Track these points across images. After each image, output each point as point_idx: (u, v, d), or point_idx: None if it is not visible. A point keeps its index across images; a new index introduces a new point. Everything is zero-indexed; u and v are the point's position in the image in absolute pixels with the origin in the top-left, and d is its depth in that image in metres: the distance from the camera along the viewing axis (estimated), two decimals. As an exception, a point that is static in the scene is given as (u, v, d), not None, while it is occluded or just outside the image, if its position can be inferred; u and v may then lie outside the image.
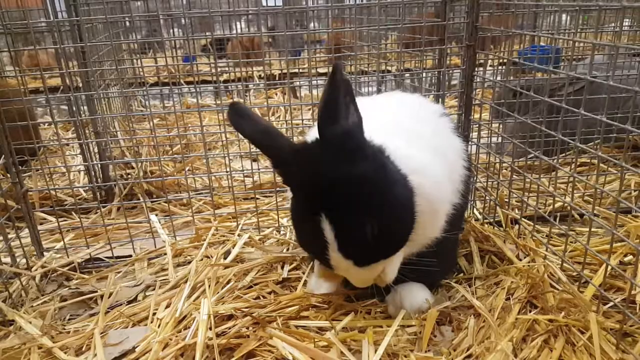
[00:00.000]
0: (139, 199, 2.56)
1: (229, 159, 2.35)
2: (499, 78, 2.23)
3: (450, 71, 2.71)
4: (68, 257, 2.03)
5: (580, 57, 3.41)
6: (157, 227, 2.18)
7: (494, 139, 2.39)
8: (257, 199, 2.52)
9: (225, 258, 1.93)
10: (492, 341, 1.39)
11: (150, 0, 3.87)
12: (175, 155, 3.16)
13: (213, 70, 4.11)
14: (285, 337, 1.42)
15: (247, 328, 1.49)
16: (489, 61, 2.86)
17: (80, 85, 2.45)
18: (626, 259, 1.79)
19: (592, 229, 1.82)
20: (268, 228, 2.21)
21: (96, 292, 1.82)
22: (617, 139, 2.45)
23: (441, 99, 2.23)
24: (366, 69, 3.44)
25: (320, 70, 4.86)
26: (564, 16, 3.76)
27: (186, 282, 1.73)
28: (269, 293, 1.71)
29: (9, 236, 1.87)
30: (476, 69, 2.12)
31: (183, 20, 3.40)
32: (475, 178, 2.21)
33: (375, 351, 1.36)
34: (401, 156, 1.33)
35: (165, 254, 2.02)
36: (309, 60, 3.32)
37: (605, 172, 2.48)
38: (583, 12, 2.78)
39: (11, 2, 2.45)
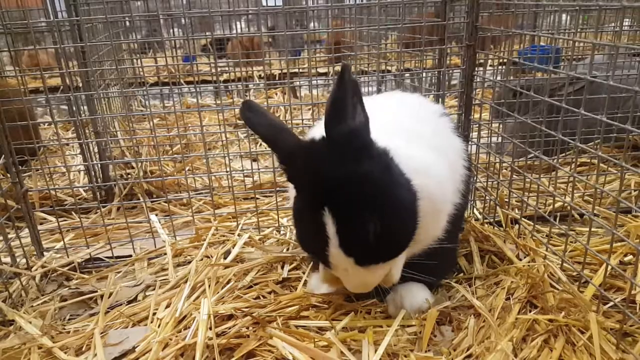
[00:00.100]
0: (139, 199, 2.56)
1: (229, 159, 2.35)
2: (499, 78, 2.23)
3: (450, 71, 2.71)
4: (68, 257, 2.03)
5: (580, 57, 3.41)
6: (157, 227, 2.18)
7: (494, 139, 2.39)
8: (257, 198, 2.52)
9: (225, 258, 1.93)
10: (492, 341, 1.39)
11: (150, 0, 3.87)
12: (175, 155, 3.16)
13: (213, 70, 4.11)
14: (285, 337, 1.42)
15: (247, 328, 1.49)
16: (489, 61, 2.85)
17: (80, 85, 2.45)
18: (626, 258, 1.79)
19: (592, 229, 1.82)
20: (268, 228, 2.21)
21: (96, 292, 1.82)
22: (617, 138, 2.45)
23: (441, 98, 2.23)
24: (366, 69, 3.44)
25: (320, 70, 4.87)
26: (564, 16, 3.76)
27: (186, 282, 1.73)
28: (269, 293, 1.71)
29: (9, 236, 1.87)
30: (476, 69, 2.12)
31: (183, 20, 3.40)
32: (475, 178, 2.21)
33: (375, 351, 1.36)
34: (404, 157, 1.33)
35: (165, 253, 2.02)
36: (309, 60, 3.32)
37: (605, 172, 2.48)
38: (583, 12, 2.78)
39: (11, 2, 2.45)
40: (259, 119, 1.37)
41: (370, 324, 1.51)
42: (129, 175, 2.80)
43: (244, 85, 4.15)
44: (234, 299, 1.67)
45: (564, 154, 2.66)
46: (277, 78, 4.23)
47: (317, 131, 1.37)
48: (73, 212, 2.51)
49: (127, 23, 3.41)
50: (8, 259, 1.89)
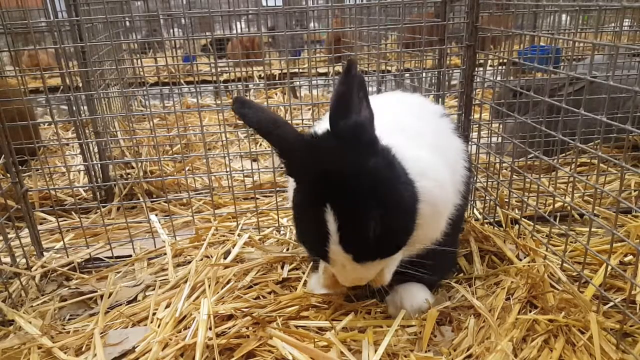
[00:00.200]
0: (139, 199, 2.56)
1: (229, 159, 2.35)
2: (499, 78, 2.23)
3: (450, 71, 2.71)
4: (68, 257, 2.03)
5: (580, 57, 3.41)
6: (157, 227, 2.17)
7: (494, 139, 2.39)
8: (257, 198, 2.52)
9: (225, 258, 1.93)
10: (492, 341, 1.39)
11: (150, 0, 3.87)
12: (175, 155, 3.16)
13: (213, 70, 4.11)
14: (285, 337, 1.42)
15: (247, 328, 1.49)
16: (489, 61, 2.86)
17: (80, 85, 2.45)
18: (626, 259, 1.79)
19: (592, 229, 1.83)
20: (268, 228, 2.21)
21: (96, 292, 1.82)
22: (617, 139, 2.45)
23: (441, 99, 2.23)
24: (366, 69, 3.44)
25: (320, 70, 4.87)
26: (563, 16, 3.76)
27: (186, 282, 1.73)
28: (269, 293, 1.71)
29: (9, 236, 1.87)
30: (476, 69, 2.12)
31: (183, 20, 3.40)
32: (475, 178, 2.21)
33: (375, 351, 1.36)
34: (406, 157, 1.33)
35: (165, 254, 2.02)
36: (309, 60, 3.32)
37: (605, 172, 2.48)
38: (583, 12, 2.78)
39: (11, 2, 2.45)
40: (256, 114, 1.33)
41: (370, 324, 1.50)
42: (129, 175, 2.80)
43: (244, 85, 4.15)
44: (234, 299, 1.67)
45: (564, 154, 2.66)
46: (277, 78, 4.23)
47: (318, 129, 1.37)
48: (73, 212, 2.51)
49: (127, 23, 3.40)
50: (8, 259, 1.89)
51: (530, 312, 1.53)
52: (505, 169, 2.61)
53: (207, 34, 3.79)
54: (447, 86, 2.38)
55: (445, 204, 1.45)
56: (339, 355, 1.37)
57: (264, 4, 4.43)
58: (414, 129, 1.53)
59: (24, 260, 1.94)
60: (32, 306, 1.76)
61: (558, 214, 2.07)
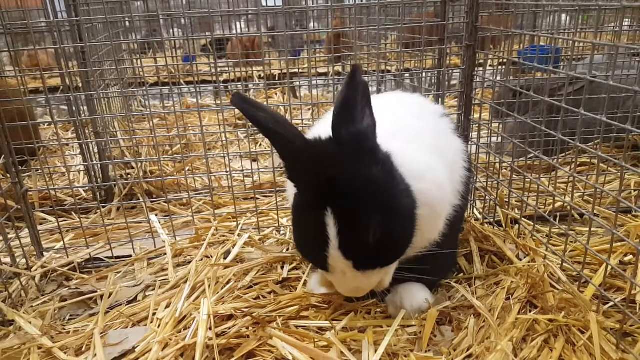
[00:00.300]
0: (138, 199, 2.56)
1: (229, 159, 2.35)
2: (498, 78, 2.23)
3: (450, 71, 2.71)
4: (68, 257, 2.03)
5: (580, 57, 3.41)
6: (157, 227, 2.18)
7: (493, 139, 2.39)
8: (257, 199, 2.52)
9: (225, 258, 1.93)
10: (492, 341, 1.39)
11: (150, 0, 3.87)
12: (175, 155, 3.16)
13: (213, 70, 4.11)
14: (285, 337, 1.42)
15: (247, 328, 1.49)
16: (489, 61, 2.85)
17: (80, 85, 2.45)
18: (626, 258, 1.79)
19: (592, 229, 1.83)
20: (268, 228, 2.21)
21: (96, 292, 1.82)
22: (617, 138, 2.45)
23: (441, 99, 2.23)
24: (366, 69, 3.44)
25: (320, 71, 4.87)
26: (563, 16, 3.76)
27: (186, 282, 1.73)
28: (269, 293, 1.71)
29: (9, 236, 1.87)
30: (476, 69, 2.12)
31: (183, 20, 3.40)
32: (475, 178, 2.21)
33: (375, 351, 1.36)
34: (404, 161, 1.33)
35: (165, 254, 2.02)
36: (309, 60, 3.33)
37: (605, 171, 2.48)
38: (583, 12, 2.79)
39: (11, 2, 2.45)
40: (259, 111, 1.30)
41: (370, 324, 1.50)
42: (129, 176, 2.80)
43: (244, 85, 4.15)
44: (234, 299, 1.67)
45: (563, 154, 2.66)
46: (277, 78, 4.23)
47: (319, 130, 1.37)
48: (73, 212, 2.51)
49: (127, 23, 3.41)
50: (8, 259, 1.89)
51: (530, 312, 1.53)
52: (505, 169, 2.61)
53: (207, 34, 3.78)
54: (447, 86, 2.39)
55: (442, 206, 1.45)
56: (339, 355, 1.37)
57: (264, 4, 4.44)
58: (413, 130, 1.53)
59: (24, 261, 1.94)
60: (32, 306, 1.76)
61: (558, 213, 2.07)
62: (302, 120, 2.95)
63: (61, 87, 2.83)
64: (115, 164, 2.77)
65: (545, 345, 1.39)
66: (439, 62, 2.26)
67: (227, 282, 1.76)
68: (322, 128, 1.37)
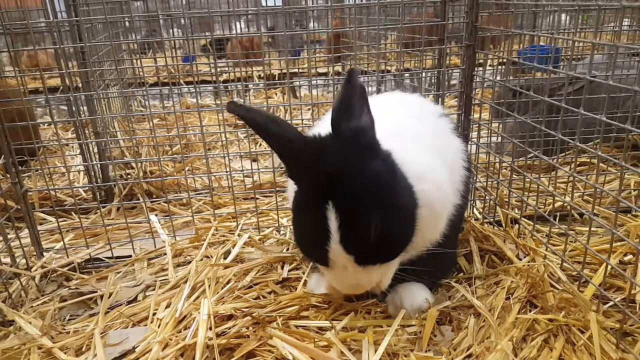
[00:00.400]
0: (138, 199, 2.56)
1: (229, 159, 2.35)
2: (498, 78, 2.23)
3: (450, 71, 2.71)
4: (68, 258, 2.03)
5: (579, 56, 3.41)
6: (157, 227, 2.18)
7: (493, 139, 2.39)
8: (257, 199, 2.52)
9: (225, 258, 1.93)
10: (492, 341, 1.39)
11: (150, 0, 3.87)
12: (175, 155, 3.16)
13: (213, 70, 4.11)
14: (285, 337, 1.42)
15: (247, 328, 1.49)
16: (489, 61, 2.86)
17: (80, 85, 2.45)
18: (626, 258, 1.79)
19: (592, 229, 1.83)
20: (268, 228, 2.21)
21: (96, 292, 1.82)
22: (617, 138, 2.45)
23: (441, 98, 2.23)
24: (366, 69, 3.44)
25: (320, 70, 4.87)
26: (563, 16, 3.76)
27: (186, 282, 1.73)
28: (269, 293, 1.71)
29: (9, 236, 1.87)
30: (476, 69, 2.12)
31: (183, 20, 3.40)
32: (475, 178, 2.21)
33: (375, 351, 1.36)
34: (404, 160, 1.33)
35: (165, 254, 2.02)
36: (309, 60, 3.32)
37: (605, 171, 2.48)
38: (582, 11, 2.79)
39: (11, 2, 2.45)
40: (257, 114, 1.32)
41: (370, 323, 1.50)
42: (129, 176, 2.80)
43: (243, 85, 4.15)
44: (234, 299, 1.67)
45: (563, 154, 2.66)
46: (276, 78, 4.23)
47: (318, 130, 1.37)
48: (73, 213, 2.51)
49: (127, 23, 3.41)
50: (8, 259, 1.89)
51: (530, 311, 1.53)
52: (505, 169, 2.61)
53: (207, 34, 3.78)
54: (446, 86, 2.39)
55: (443, 206, 1.46)
56: (339, 355, 1.37)
57: (264, 4, 4.44)
58: (413, 130, 1.54)
59: (23, 261, 1.94)
60: (32, 306, 1.76)
61: (558, 213, 2.07)
62: (302, 120, 2.94)
63: (61, 87, 2.83)
64: (115, 164, 2.77)
65: (545, 344, 1.39)
66: (439, 62, 2.26)
67: (227, 282, 1.76)
68: (321, 128, 1.37)
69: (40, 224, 2.38)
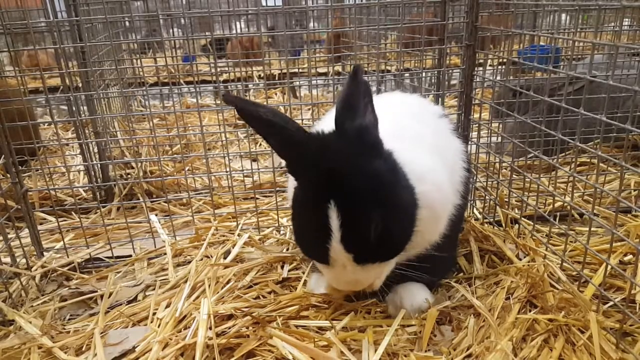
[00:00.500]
0: (138, 199, 2.56)
1: (229, 159, 2.35)
2: (498, 78, 2.23)
3: (450, 71, 2.71)
4: (68, 257, 2.03)
5: (580, 56, 3.41)
6: (157, 227, 2.18)
7: (493, 139, 2.39)
8: (257, 198, 2.52)
9: (225, 258, 1.93)
10: (492, 341, 1.39)
11: (150, 0, 3.87)
12: (175, 155, 3.16)
13: (213, 70, 4.11)
14: (285, 337, 1.42)
15: (247, 328, 1.49)
16: (489, 61, 2.86)
17: (80, 85, 2.45)
18: (626, 258, 1.79)
19: (592, 229, 1.83)
20: (268, 228, 2.21)
21: (96, 292, 1.82)
22: (617, 138, 2.45)
23: (441, 98, 2.23)
24: (366, 69, 3.43)
25: (320, 70, 4.87)
26: (563, 16, 3.76)
27: (186, 282, 1.73)
28: (269, 293, 1.71)
29: (9, 236, 1.87)
30: (476, 69, 2.12)
31: (183, 20, 3.40)
32: (475, 178, 2.21)
33: (375, 351, 1.36)
34: (404, 162, 1.33)
35: (165, 253, 2.02)
36: (309, 60, 3.32)
37: (605, 171, 2.48)
38: (583, 11, 2.79)
39: (11, 2, 2.45)
40: (256, 107, 1.29)
41: (370, 323, 1.51)
42: (129, 175, 2.80)
43: (243, 85, 4.15)
44: (234, 298, 1.67)
45: (563, 154, 2.66)
46: (277, 78, 4.23)
47: (320, 129, 1.37)
48: (73, 212, 2.51)
49: (127, 23, 3.40)
50: (8, 259, 1.89)
51: (530, 311, 1.53)
52: (505, 169, 2.61)
53: (207, 34, 3.78)
54: (446, 86, 2.38)
55: (443, 207, 1.46)
56: (339, 354, 1.37)
57: (264, 4, 4.43)
58: (413, 131, 1.54)
59: (24, 261, 1.94)
60: (32, 306, 1.76)
61: (558, 213, 2.07)
62: (302, 120, 2.94)
63: (61, 87, 2.83)
64: (115, 163, 2.77)
65: (545, 344, 1.39)
66: (439, 62, 2.26)
67: (227, 282, 1.76)
68: (324, 127, 1.37)
69: (41, 224, 2.38)
